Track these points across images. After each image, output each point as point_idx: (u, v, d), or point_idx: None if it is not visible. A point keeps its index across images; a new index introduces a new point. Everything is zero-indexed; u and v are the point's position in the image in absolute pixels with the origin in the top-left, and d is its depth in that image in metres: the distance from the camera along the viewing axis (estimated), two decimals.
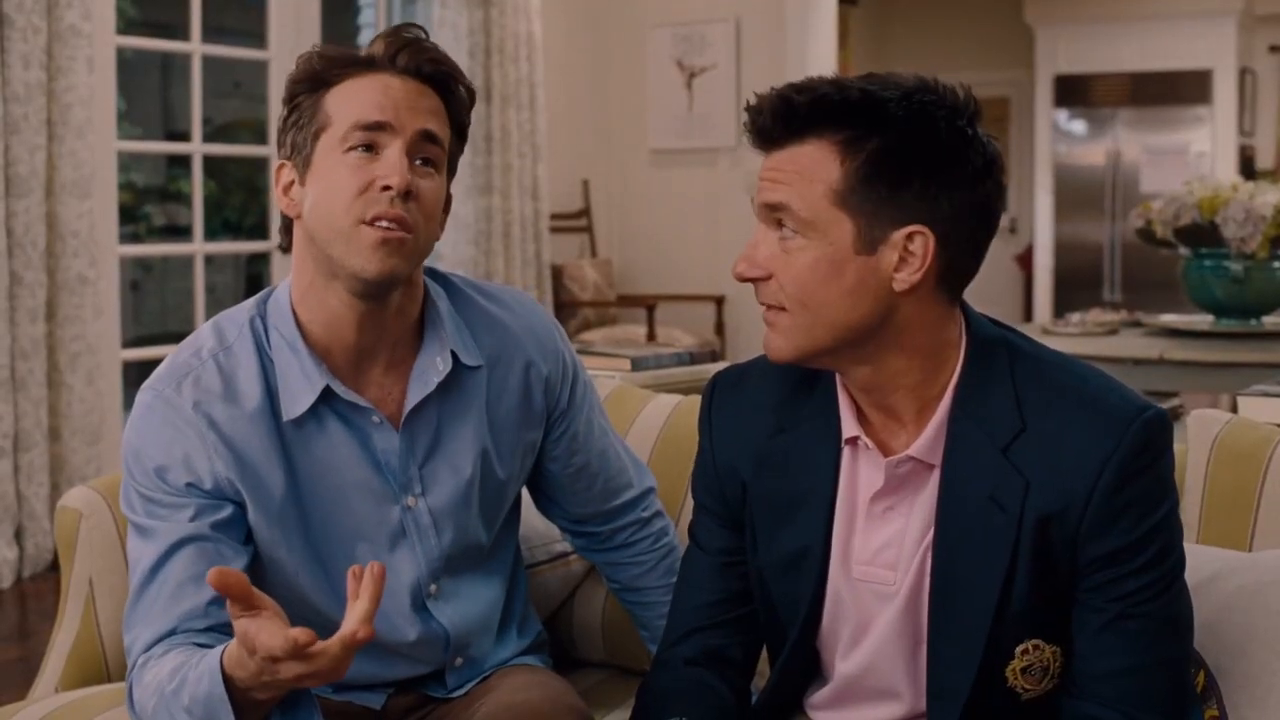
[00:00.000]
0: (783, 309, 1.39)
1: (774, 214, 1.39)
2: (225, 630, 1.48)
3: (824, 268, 1.37)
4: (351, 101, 1.55)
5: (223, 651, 1.39)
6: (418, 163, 1.56)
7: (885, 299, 1.38)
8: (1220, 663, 1.54)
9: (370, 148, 1.54)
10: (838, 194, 1.36)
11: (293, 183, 1.59)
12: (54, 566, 4.45)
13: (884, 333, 1.39)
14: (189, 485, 1.55)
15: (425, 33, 1.61)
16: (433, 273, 1.70)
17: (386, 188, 1.52)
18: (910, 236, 1.36)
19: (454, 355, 1.64)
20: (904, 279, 1.37)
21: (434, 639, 1.68)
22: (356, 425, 1.61)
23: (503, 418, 1.70)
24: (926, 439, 1.42)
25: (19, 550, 4.42)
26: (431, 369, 1.63)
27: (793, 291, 1.38)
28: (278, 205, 1.62)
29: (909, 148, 1.36)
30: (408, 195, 1.53)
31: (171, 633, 1.52)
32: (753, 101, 1.40)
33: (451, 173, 1.63)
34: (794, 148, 1.38)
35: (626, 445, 1.91)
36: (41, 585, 4.37)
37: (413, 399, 1.62)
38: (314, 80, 1.57)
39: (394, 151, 1.53)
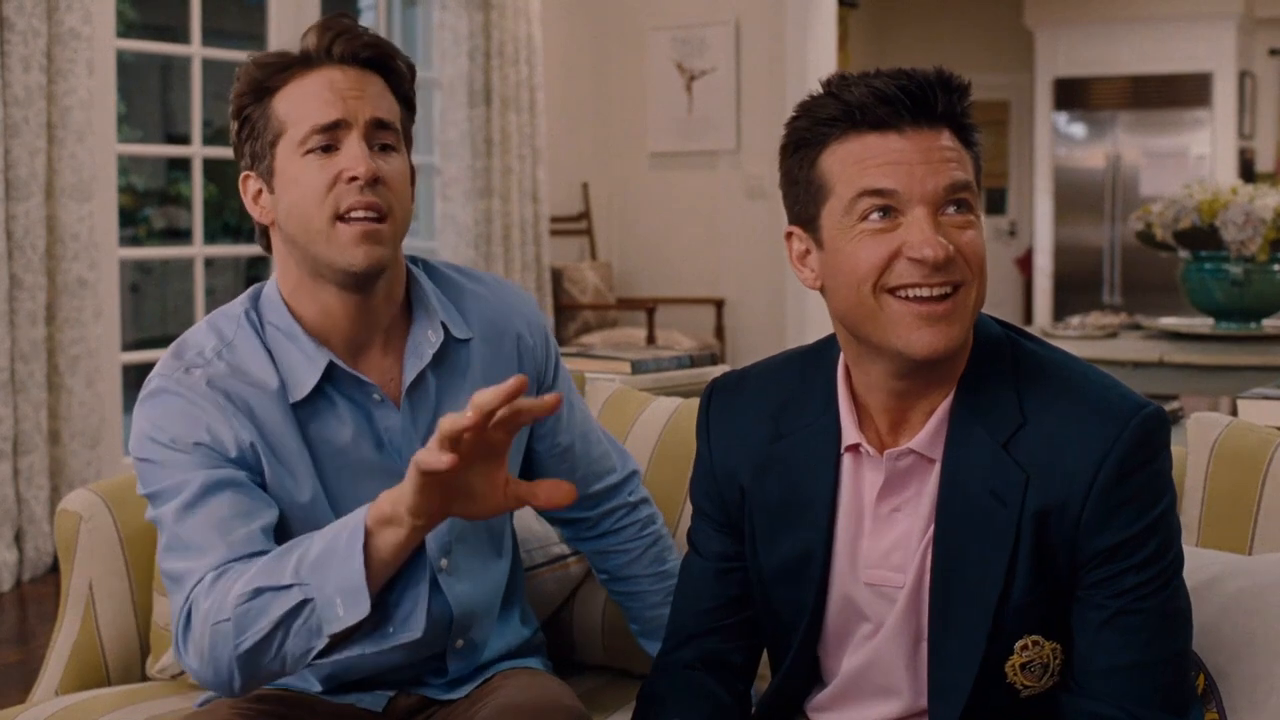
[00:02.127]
0: (959, 286, 1.38)
1: (956, 194, 1.38)
2: None
3: (982, 244, 1.41)
4: (301, 104, 1.57)
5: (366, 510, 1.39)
6: (376, 148, 1.58)
7: None
8: (1220, 665, 1.54)
9: (328, 147, 1.56)
10: (976, 176, 1.41)
11: (260, 191, 1.62)
12: (54, 569, 4.44)
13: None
14: (212, 449, 1.55)
15: (353, 18, 1.62)
16: (410, 258, 1.73)
17: (353, 178, 1.54)
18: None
19: (445, 328, 1.67)
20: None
21: (439, 617, 1.68)
22: (360, 404, 1.62)
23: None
24: (927, 433, 1.42)
25: (19, 553, 4.42)
26: (424, 342, 1.65)
27: (976, 266, 1.39)
28: (251, 214, 1.63)
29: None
30: (375, 181, 1.55)
31: (228, 562, 1.48)
32: (866, 82, 1.39)
33: (409, 145, 1.65)
34: (937, 130, 1.38)
35: (605, 431, 1.92)
36: (41, 588, 4.37)
37: (410, 373, 1.64)
38: (257, 90, 1.59)
39: (352, 143, 1.56)
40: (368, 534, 1.38)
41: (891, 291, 1.36)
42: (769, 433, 1.52)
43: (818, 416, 1.49)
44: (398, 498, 1.36)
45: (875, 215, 1.36)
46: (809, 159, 1.40)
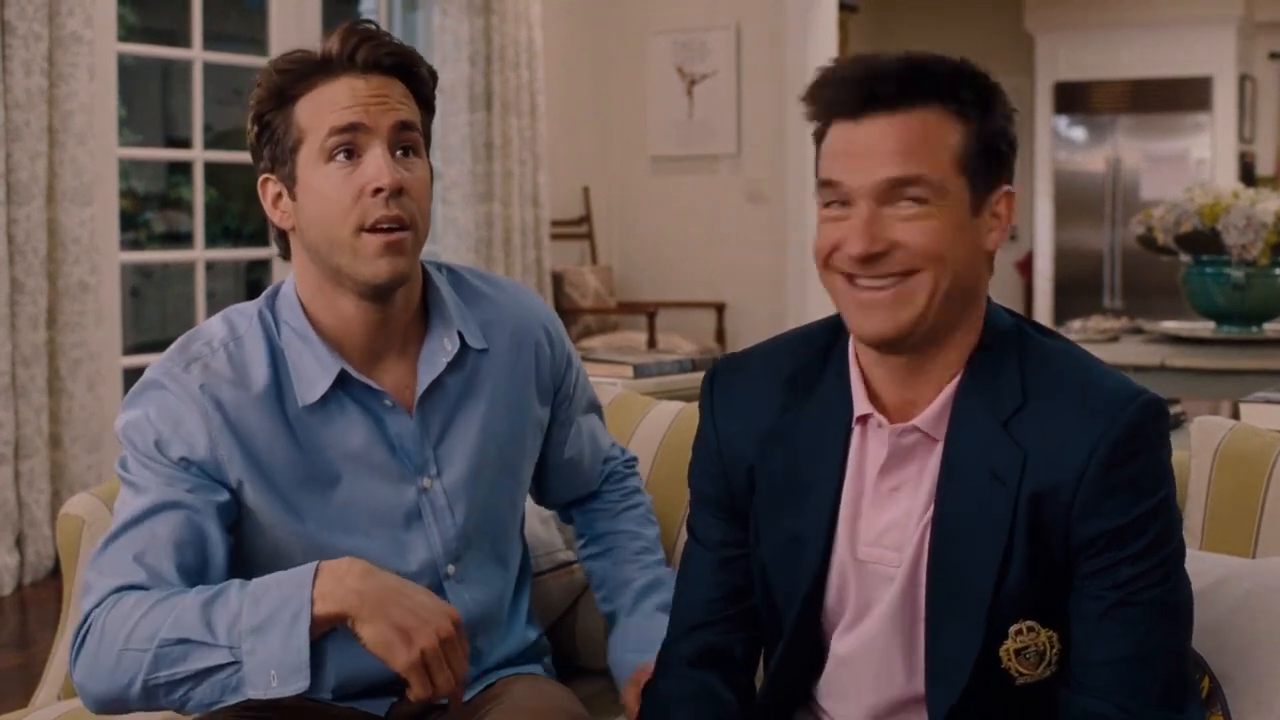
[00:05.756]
0: (910, 273, 1.38)
1: (901, 188, 1.38)
2: None
3: (950, 231, 1.39)
4: (322, 111, 1.56)
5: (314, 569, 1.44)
6: (399, 154, 1.58)
7: (982, 262, 1.42)
8: (1225, 668, 1.54)
9: (351, 153, 1.56)
10: (959, 159, 1.39)
11: (280, 195, 1.61)
12: (54, 573, 4.44)
13: (974, 303, 1.43)
14: (183, 460, 1.55)
15: (375, 24, 1.62)
16: (435, 264, 1.73)
17: (378, 190, 1.54)
18: (1001, 199, 1.42)
19: (460, 336, 1.67)
20: (994, 240, 1.43)
21: None
22: (371, 409, 1.63)
23: (515, 396, 1.73)
24: (933, 412, 1.43)
25: (20, 557, 4.42)
26: (440, 351, 1.66)
27: (924, 255, 1.38)
28: (270, 218, 1.63)
29: (1006, 114, 1.42)
30: (400, 192, 1.55)
31: (139, 588, 1.50)
32: (838, 69, 1.41)
33: (427, 146, 1.65)
34: (903, 114, 1.38)
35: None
36: (42, 592, 4.37)
37: (423, 382, 1.64)
38: (280, 96, 1.58)
39: (376, 153, 1.55)
40: (313, 621, 1.41)
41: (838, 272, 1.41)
42: (779, 402, 1.52)
43: (829, 390, 1.49)
44: (349, 608, 1.42)
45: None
46: None
